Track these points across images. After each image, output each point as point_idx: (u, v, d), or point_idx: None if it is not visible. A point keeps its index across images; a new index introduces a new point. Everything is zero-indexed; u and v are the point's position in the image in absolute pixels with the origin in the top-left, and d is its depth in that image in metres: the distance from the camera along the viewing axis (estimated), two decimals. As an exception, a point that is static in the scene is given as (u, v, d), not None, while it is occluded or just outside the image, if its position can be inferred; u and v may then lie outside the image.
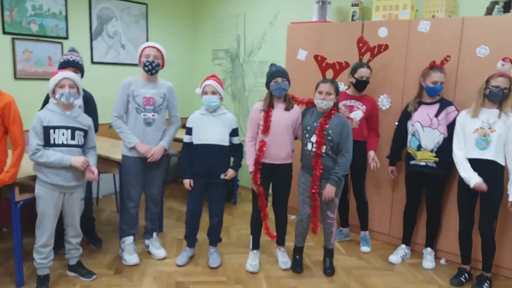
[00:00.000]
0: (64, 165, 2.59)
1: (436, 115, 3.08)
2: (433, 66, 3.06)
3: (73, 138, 2.66)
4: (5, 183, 2.59)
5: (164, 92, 3.16)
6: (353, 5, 3.96)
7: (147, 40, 5.00)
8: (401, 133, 3.29)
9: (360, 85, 3.37)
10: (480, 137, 2.82)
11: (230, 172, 3.12)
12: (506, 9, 3.17)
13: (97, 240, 3.46)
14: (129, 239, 3.22)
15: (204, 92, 3.03)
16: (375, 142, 3.45)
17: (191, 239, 3.27)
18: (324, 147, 2.90)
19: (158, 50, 3.07)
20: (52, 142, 2.59)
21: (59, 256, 3.10)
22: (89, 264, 3.07)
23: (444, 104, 3.10)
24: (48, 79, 2.72)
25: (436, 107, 3.11)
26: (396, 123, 3.38)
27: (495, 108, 2.80)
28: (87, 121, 2.78)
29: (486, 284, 2.93)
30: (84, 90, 3.07)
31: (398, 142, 3.34)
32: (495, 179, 2.82)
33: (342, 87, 3.66)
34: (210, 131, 3.04)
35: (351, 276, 3.12)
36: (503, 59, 2.74)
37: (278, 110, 3.00)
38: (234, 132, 3.12)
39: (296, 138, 3.12)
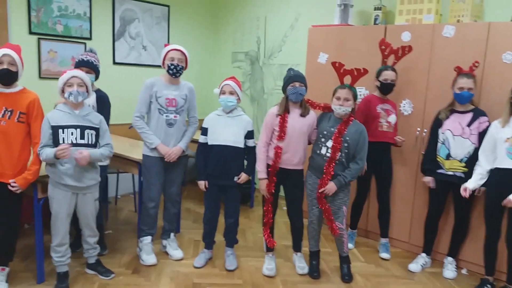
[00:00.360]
0: (52, 158, 2.51)
1: (469, 125, 3.00)
2: (460, 72, 3.01)
3: (82, 137, 2.63)
4: (30, 181, 2.62)
5: (185, 94, 3.17)
6: (375, 8, 3.92)
7: (168, 42, 5.05)
8: (434, 141, 3.17)
9: (385, 88, 3.32)
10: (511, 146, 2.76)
11: (243, 176, 3.09)
12: (534, 15, 3.10)
13: (103, 247, 3.27)
14: (147, 239, 3.24)
15: (222, 92, 3.03)
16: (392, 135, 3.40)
17: (208, 241, 3.27)
18: (339, 153, 2.87)
19: (182, 53, 3.08)
20: (61, 141, 2.57)
21: (78, 254, 3.14)
22: (107, 263, 3.09)
23: (477, 113, 3.02)
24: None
25: (469, 116, 3.03)
26: (425, 131, 3.32)
27: None
28: (97, 119, 2.73)
29: (510, 296, 2.85)
30: (99, 90, 3.10)
31: (432, 151, 3.19)
32: None
33: (363, 91, 3.62)
34: (225, 132, 3.03)
35: (369, 284, 3.08)
36: None
37: (294, 116, 2.97)
38: (249, 135, 3.09)
39: (309, 143, 3.09)
